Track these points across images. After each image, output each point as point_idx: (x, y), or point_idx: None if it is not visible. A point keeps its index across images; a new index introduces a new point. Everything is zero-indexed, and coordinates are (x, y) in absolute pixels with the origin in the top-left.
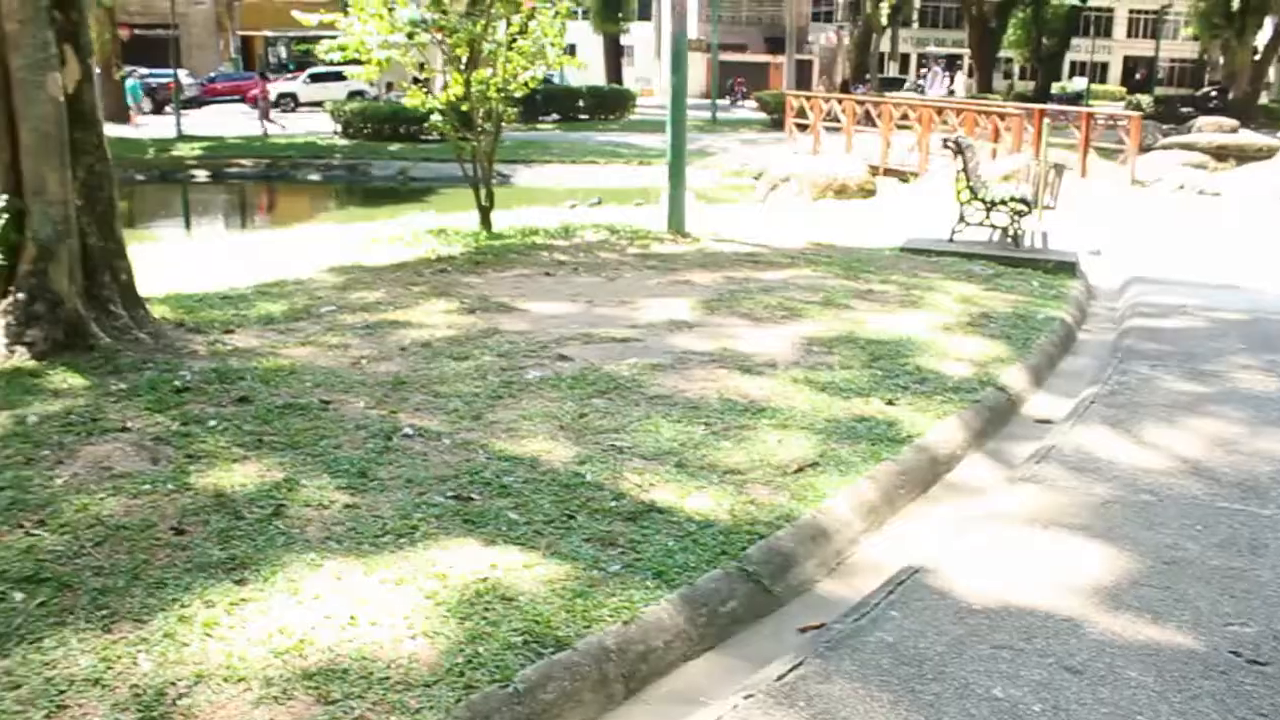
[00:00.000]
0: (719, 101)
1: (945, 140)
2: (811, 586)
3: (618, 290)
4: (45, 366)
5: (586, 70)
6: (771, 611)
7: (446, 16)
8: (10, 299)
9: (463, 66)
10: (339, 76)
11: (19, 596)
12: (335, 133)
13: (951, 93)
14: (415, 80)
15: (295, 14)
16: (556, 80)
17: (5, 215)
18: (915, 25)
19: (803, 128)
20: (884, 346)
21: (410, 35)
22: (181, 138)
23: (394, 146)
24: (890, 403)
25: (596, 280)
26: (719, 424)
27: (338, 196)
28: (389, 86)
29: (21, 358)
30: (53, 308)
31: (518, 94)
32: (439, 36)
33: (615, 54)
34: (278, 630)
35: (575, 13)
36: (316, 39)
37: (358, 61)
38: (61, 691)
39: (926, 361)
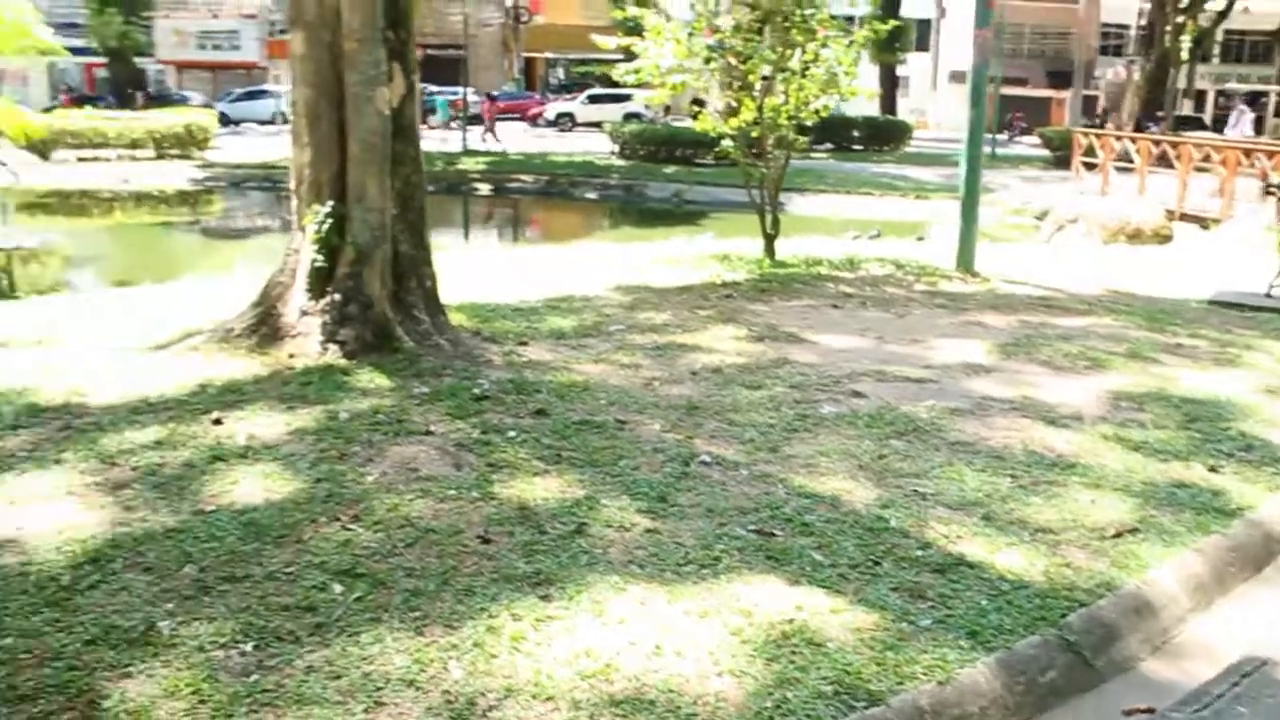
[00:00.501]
0: (996, 137)
1: (1269, 186)
2: (1135, 664)
3: (907, 328)
4: (354, 365)
5: (867, 100)
6: (1093, 687)
7: (747, 43)
8: (327, 299)
9: (756, 93)
10: (616, 99)
11: (338, 589)
12: (612, 153)
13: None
14: (699, 103)
15: (594, 38)
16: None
17: (330, 220)
18: (1215, 60)
19: (1090, 166)
20: (1201, 407)
21: (707, 60)
22: (466, 152)
23: (669, 169)
24: (1213, 469)
25: (885, 316)
26: (1025, 477)
27: (612, 215)
28: (666, 110)
29: (334, 355)
30: (364, 309)
31: (808, 122)
32: (732, 62)
33: (891, 85)
34: (584, 652)
35: (869, 41)
36: (600, 62)
37: (649, 85)
38: (379, 688)
39: (1251, 427)
